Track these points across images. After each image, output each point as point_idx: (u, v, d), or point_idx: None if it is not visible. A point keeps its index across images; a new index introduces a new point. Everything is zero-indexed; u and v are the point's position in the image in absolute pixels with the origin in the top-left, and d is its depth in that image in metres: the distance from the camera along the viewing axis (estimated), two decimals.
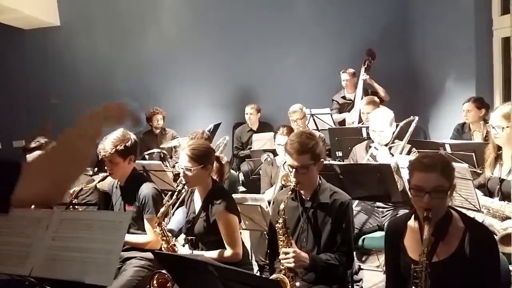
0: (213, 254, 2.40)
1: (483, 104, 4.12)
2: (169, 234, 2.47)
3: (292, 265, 2.12)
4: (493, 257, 1.74)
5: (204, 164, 2.41)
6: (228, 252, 2.38)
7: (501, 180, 2.62)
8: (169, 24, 6.18)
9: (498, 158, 2.71)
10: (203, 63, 6.12)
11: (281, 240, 2.19)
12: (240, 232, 2.61)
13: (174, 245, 2.46)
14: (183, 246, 2.52)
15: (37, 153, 3.00)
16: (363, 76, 5.38)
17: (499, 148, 2.71)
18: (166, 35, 6.15)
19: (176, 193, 2.46)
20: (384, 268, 2.77)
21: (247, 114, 5.56)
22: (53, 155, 1.19)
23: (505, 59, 4.61)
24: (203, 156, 2.41)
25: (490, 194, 2.68)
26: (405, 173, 2.69)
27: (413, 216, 1.87)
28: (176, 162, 4.70)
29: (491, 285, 1.71)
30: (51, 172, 1.13)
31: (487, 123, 3.91)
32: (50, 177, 1.13)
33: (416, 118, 3.42)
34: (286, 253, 2.13)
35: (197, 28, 6.11)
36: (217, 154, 3.67)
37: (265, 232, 2.90)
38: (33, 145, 3.00)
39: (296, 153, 2.18)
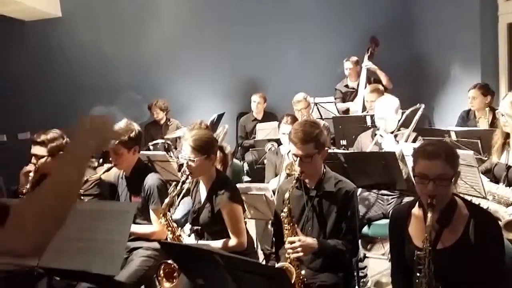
0: (218, 243, 2.41)
1: (488, 90, 4.08)
2: (175, 225, 2.48)
3: (300, 254, 2.12)
4: (497, 243, 1.75)
5: (207, 154, 2.41)
6: (232, 241, 2.39)
7: (508, 167, 2.61)
8: (171, 16, 6.14)
9: (505, 144, 2.70)
10: (206, 53, 6.09)
11: (286, 229, 2.20)
12: (246, 222, 2.62)
13: (180, 235, 2.48)
14: (189, 236, 2.53)
15: (38, 149, 2.90)
16: (366, 63, 5.34)
17: (507, 135, 2.69)
18: (168, 27, 6.11)
19: (180, 183, 2.46)
20: (389, 256, 2.78)
21: (254, 102, 5.54)
22: (37, 204, 1.03)
23: (511, 45, 4.57)
24: (206, 146, 2.41)
25: (496, 180, 2.67)
26: (410, 161, 2.68)
27: (417, 204, 1.87)
28: (180, 153, 4.72)
29: (495, 271, 1.72)
30: (33, 224, 0.99)
31: (493, 109, 3.89)
32: (31, 229, 0.99)
33: (423, 106, 3.40)
34: (292, 242, 2.14)
35: (200, 19, 6.07)
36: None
37: (270, 221, 2.91)
38: (39, 139, 2.92)
39: (300, 142, 2.18)
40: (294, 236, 2.18)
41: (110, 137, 1.26)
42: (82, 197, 2.73)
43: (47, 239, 1.03)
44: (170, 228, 2.45)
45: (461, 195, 1.98)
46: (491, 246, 1.72)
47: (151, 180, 2.70)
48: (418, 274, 1.69)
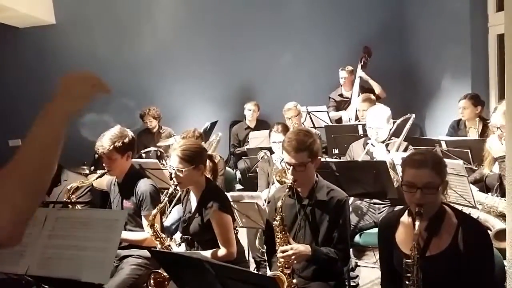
0: (207, 253, 2.39)
1: (479, 101, 4.13)
2: (163, 235, 2.46)
3: (294, 262, 2.12)
4: (486, 252, 1.76)
5: (195, 164, 2.38)
6: (222, 251, 2.37)
7: (501, 176, 2.62)
8: (165, 23, 6.16)
9: None
10: (199, 62, 6.11)
11: (278, 238, 2.20)
12: (237, 230, 2.61)
13: (169, 245, 2.46)
14: (179, 246, 2.52)
15: None
16: (359, 73, 5.39)
17: None
18: (162, 34, 6.13)
19: (168, 194, 2.44)
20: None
21: (249, 110, 5.54)
22: (9, 178, 0.96)
23: (501, 56, 4.62)
24: (194, 156, 2.38)
25: (487, 190, 2.69)
26: (400, 170, 2.70)
27: (406, 212, 1.89)
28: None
29: (485, 279, 1.73)
30: (7, 204, 0.92)
31: (483, 119, 3.93)
32: (5, 211, 0.92)
33: (413, 115, 3.44)
34: (285, 251, 2.13)
35: (193, 26, 6.10)
36: (210, 151, 3.68)
37: (260, 230, 2.90)
38: None
39: (294, 151, 2.18)
40: (286, 244, 2.18)
41: (87, 93, 1.16)
42: (73, 205, 2.72)
43: (28, 215, 0.97)
44: (158, 239, 2.43)
45: (451, 204, 2.00)
46: (480, 254, 1.73)
47: (143, 186, 2.69)
48: (406, 282, 1.70)
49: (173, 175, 2.41)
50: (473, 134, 4.05)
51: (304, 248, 2.16)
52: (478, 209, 2.50)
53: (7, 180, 0.96)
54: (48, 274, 1.81)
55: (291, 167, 2.21)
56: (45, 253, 1.82)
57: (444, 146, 3.32)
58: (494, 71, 4.67)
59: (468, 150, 3.15)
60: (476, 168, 3.03)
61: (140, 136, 5.44)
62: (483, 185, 2.80)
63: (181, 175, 2.36)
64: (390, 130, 3.29)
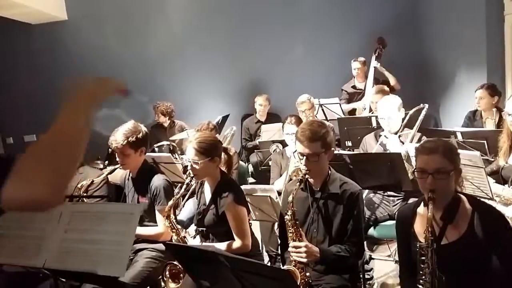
0: (222, 245, 2.41)
1: (495, 91, 4.05)
2: (179, 226, 2.49)
3: (304, 260, 2.11)
4: (505, 234, 1.74)
5: (211, 156, 2.40)
6: (237, 243, 2.39)
7: None
8: (177, 18, 6.16)
9: None
10: (211, 55, 6.10)
11: (290, 232, 2.18)
12: (251, 223, 2.61)
13: (184, 237, 2.49)
14: (194, 238, 2.53)
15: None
16: (374, 64, 5.31)
17: None
18: (174, 29, 6.13)
19: (185, 185, 2.46)
20: (395, 257, 2.76)
21: (260, 105, 5.51)
22: (48, 145, 1.01)
23: None
24: (210, 148, 2.41)
25: (504, 182, 2.64)
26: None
27: (422, 203, 1.89)
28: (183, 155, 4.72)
29: (506, 263, 1.70)
30: (46, 166, 0.97)
31: (500, 110, 3.86)
32: (45, 172, 0.96)
33: (426, 106, 3.38)
34: (297, 247, 2.12)
35: (205, 21, 6.09)
36: (225, 145, 3.68)
37: (275, 223, 2.90)
38: None
39: (307, 141, 2.16)
40: (298, 238, 2.16)
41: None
42: (89, 199, 2.74)
43: (64, 180, 1.01)
44: (174, 230, 2.46)
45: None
46: (499, 238, 1.72)
47: (157, 181, 2.71)
48: (421, 266, 1.71)
49: (189, 167, 2.43)
50: (489, 124, 3.97)
51: (315, 249, 2.14)
52: (495, 201, 2.46)
53: (46, 146, 1.01)
54: (65, 267, 1.84)
55: (304, 157, 2.18)
56: (61, 247, 1.84)
57: (459, 137, 3.26)
58: (510, 61, 4.57)
59: (484, 141, 3.09)
60: (492, 159, 2.98)
61: (153, 130, 5.47)
62: (499, 177, 2.75)
63: (197, 167, 2.39)
64: (403, 120, 3.24)
